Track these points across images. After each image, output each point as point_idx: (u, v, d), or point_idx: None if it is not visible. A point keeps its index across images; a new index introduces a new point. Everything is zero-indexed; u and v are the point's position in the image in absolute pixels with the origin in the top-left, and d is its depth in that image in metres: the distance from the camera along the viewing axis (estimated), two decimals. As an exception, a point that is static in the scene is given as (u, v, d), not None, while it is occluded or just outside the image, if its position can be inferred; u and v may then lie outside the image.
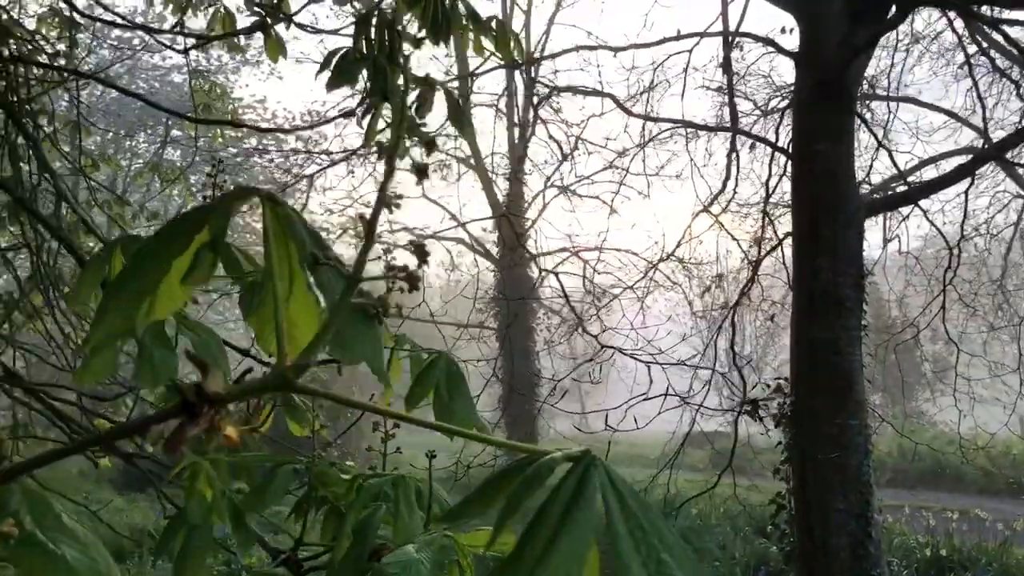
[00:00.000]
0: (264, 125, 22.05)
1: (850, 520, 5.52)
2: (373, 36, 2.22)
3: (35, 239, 3.43)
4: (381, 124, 0.76)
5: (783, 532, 5.87)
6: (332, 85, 2.10)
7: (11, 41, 3.72)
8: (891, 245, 10.89)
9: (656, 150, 11.03)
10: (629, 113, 6.18)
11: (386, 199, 0.62)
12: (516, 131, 15.92)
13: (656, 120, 6.44)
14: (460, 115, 2.12)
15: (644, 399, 5.78)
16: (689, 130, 8.05)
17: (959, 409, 9.49)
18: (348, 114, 2.21)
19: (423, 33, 2.47)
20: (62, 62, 4.44)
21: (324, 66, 2.10)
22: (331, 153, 11.10)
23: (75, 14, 4.31)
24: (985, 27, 7.64)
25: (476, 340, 16.24)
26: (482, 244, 16.79)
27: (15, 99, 3.38)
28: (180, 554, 1.32)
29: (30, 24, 4.60)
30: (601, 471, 0.54)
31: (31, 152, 3.41)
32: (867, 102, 8.27)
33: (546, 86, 6.56)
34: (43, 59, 4.06)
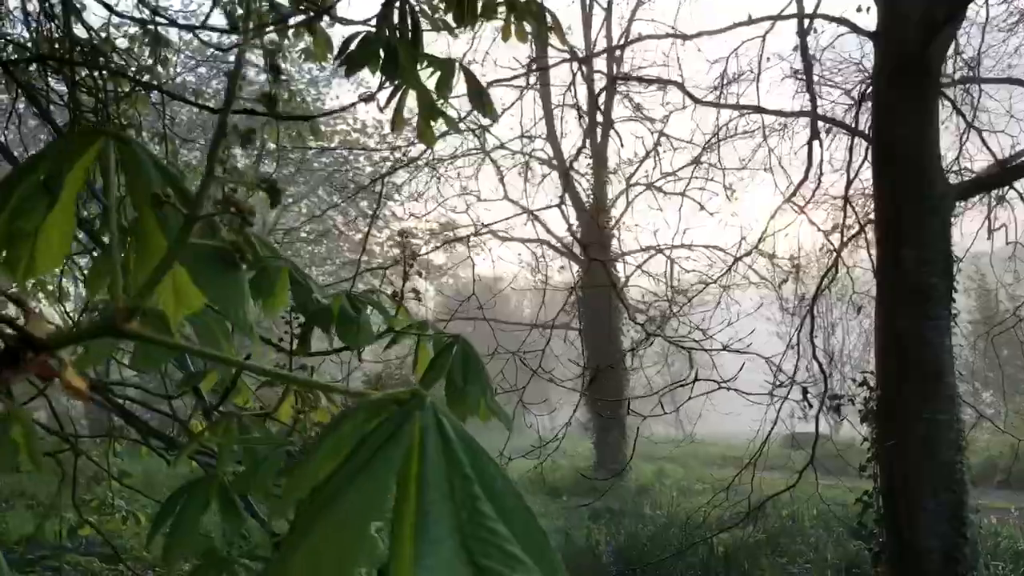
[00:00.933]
0: (354, 134, 22.47)
1: (941, 521, 5.25)
2: (396, 20, 2.21)
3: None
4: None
5: (871, 532, 5.62)
6: (350, 70, 2.09)
7: (101, 59, 3.88)
8: (998, 234, 10.38)
9: (736, 148, 10.76)
10: (696, 100, 6.02)
11: (225, 126, 0.58)
12: (598, 130, 15.80)
13: (728, 107, 6.26)
14: (481, 95, 2.09)
15: (719, 387, 5.62)
16: (768, 121, 7.84)
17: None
18: (369, 98, 2.20)
19: (449, 17, 2.44)
20: (147, 77, 4.62)
21: (342, 51, 2.10)
22: (408, 155, 11.23)
23: (158, 27, 4.47)
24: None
25: (564, 341, 16.21)
26: (566, 245, 16.71)
27: (106, 115, 3.51)
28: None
29: (122, 42, 4.78)
30: (430, 414, 0.50)
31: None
32: (965, 86, 7.86)
33: (606, 76, 6.41)
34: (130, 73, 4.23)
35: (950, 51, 6.30)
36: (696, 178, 16.03)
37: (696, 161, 15.09)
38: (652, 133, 15.69)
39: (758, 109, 6.05)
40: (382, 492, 0.47)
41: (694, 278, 15.31)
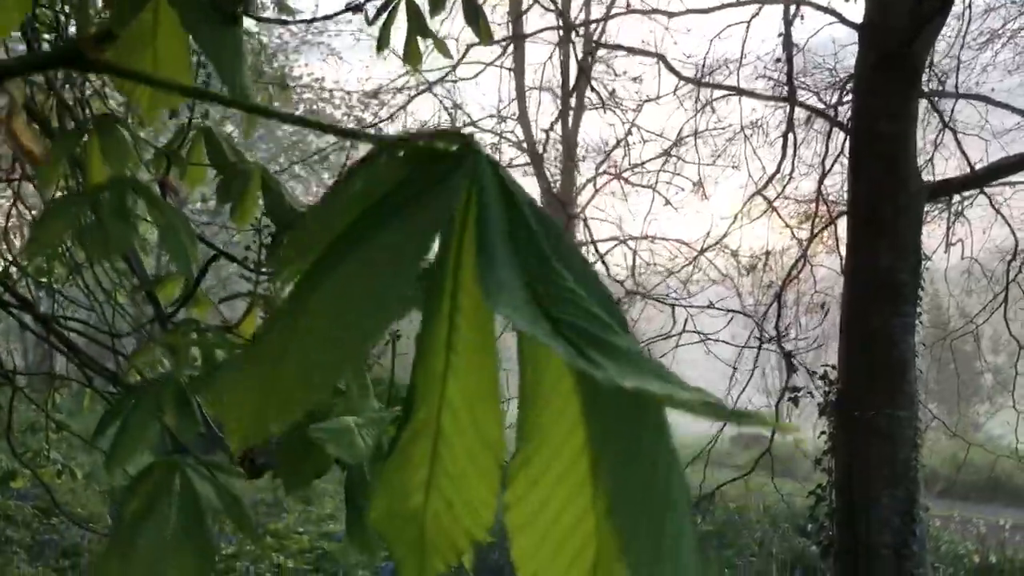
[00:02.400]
0: (320, 104, 22.05)
1: (894, 516, 5.25)
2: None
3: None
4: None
5: (821, 525, 5.62)
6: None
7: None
8: (953, 249, 10.49)
9: (708, 142, 10.76)
10: (679, 76, 5.95)
11: None
12: (570, 114, 15.69)
13: (709, 86, 6.19)
14: (477, 14, 1.95)
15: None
16: (745, 113, 7.80)
17: (1018, 410, 9.09)
18: (356, 8, 2.06)
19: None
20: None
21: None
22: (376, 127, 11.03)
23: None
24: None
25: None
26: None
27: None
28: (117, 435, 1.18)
29: None
30: (483, 162, 0.38)
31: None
32: (933, 99, 7.88)
33: (593, 42, 6.30)
34: None
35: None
36: (665, 171, 16.10)
37: (666, 153, 15.10)
38: (624, 124, 15.71)
39: (738, 91, 6.00)
40: (427, 231, 0.35)
41: (658, 271, 15.33)
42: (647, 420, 0.34)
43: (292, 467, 1.18)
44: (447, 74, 15.19)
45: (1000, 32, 11.09)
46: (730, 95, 6.26)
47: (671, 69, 5.84)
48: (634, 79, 15.23)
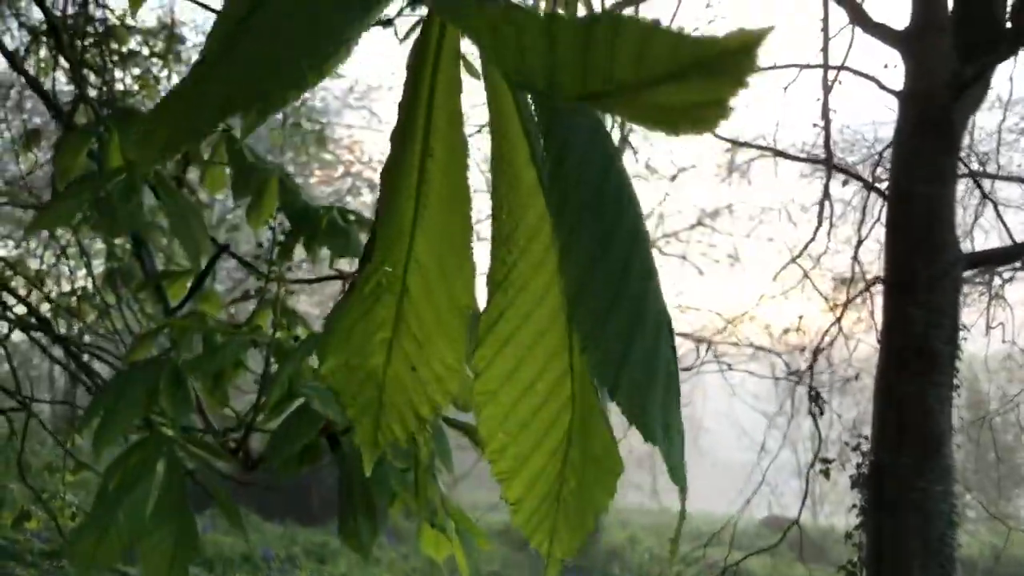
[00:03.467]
0: (358, 165, 22.41)
1: (929, 596, 5.02)
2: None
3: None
4: None
5: (852, 603, 5.38)
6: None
7: (115, 45, 3.78)
8: (993, 335, 10.27)
9: (744, 207, 10.75)
10: (716, 136, 5.93)
11: None
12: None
13: (746, 146, 6.17)
14: None
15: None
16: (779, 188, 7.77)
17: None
18: (386, 23, 2.05)
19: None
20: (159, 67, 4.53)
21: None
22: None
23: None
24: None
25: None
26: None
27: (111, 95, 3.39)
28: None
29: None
30: None
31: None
32: (976, 179, 7.82)
33: None
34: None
35: (964, 144, 6.25)
36: (699, 242, 16.10)
37: (699, 223, 15.11)
38: (658, 192, 15.78)
39: (775, 152, 5.96)
40: None
41: (689, 342, 15.17)
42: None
43: (282, 453, 1.12)
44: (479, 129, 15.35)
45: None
46: (765, 154, 6.21)
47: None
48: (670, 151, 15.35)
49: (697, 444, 28.00)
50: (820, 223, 6.73)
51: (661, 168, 15.57)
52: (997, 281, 12.10)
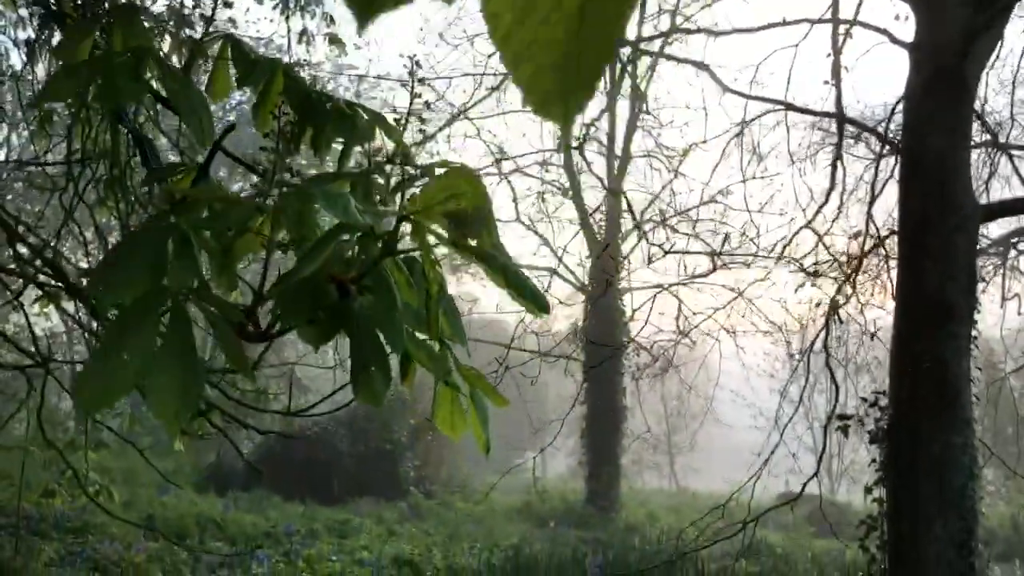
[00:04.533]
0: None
1: (950, 548, 4.98)
2: None
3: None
4: None
5: (872, 558, 5.36)
6: None
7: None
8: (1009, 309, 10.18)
9: (756, 173, 10.73)
10: (725, 88, 5.91)
11: None
12: (615, 162, 15.73)
13: (756, 99, 6.13)
14: None
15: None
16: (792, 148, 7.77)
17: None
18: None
19: None
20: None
21: None
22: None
23: None
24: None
25: (564, 373, 15.95)
26: (576, 276, 16.54)
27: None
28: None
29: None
30: None
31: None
32: (984, 156, 7.75)
33: (636, 48, 6.29)
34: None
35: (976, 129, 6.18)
36: (711, 220, 16.00)
37: (712, 200, 15.00)
38: (669, 171, 15.70)
39: (786, 105, 5.92)
40: None
41: (701, 320, 15.11)
42: None
43: (293, 311, 1.12)
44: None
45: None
46: (777, 109, 6.15)
47: (717, 80, 5.81)
48: (684, 124, 15.32)
49: (713, 426, 27.97)
50: (832, 185, 6.69)
51: (673, 144, 15.45)
52: (1012, 254, 12.03)
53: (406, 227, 1.16)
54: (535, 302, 1.03)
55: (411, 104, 1.47)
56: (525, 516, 13.65)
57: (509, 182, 15.73)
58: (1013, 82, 5.93)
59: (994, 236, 11.19)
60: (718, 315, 15.91)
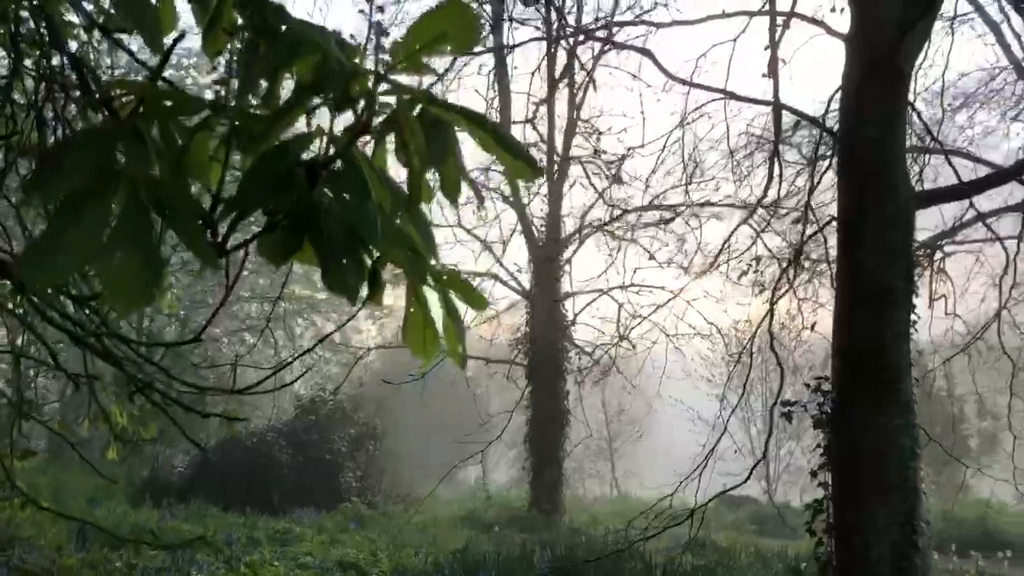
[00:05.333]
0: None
1: (893, 527, 5.06)
2: None
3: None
4: None
5: (820, 540, 5.42)
6: None
7: None
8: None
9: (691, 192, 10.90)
10: (668, 75, 5.95)
11: None
12: (555, 167, 15.78)
13: (697, 86, 6.18)
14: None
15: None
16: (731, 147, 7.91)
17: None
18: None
19: None
20: None
21: None
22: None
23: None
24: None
25: (507, 378, 15.90)
26: (518, 282, 16.52)
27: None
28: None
29: None
30: None
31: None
32: (915, 155, 7.97)
33: (580, 30, 6.30)
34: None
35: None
36: (649, 225, 16.16)
37: (649, 208, 15.17)
38: (607, 178, 15.81)
39: (725, 93, 5.98)
40: None
41: (639, 321, 15.26)
42: None
43: (250, 198, 1.06)
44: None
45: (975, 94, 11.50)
46: (717, 98, 6.23)
47: (659, 66, 5.83)
48: (622, 129, 15.48)
49: (652, 432, 28.17)
50: (771, 177, 6.77)
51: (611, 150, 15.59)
52: (938, 255, 12.36)
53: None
54: (527, 163, 0.98)
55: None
56: (470, 523, 13.54)
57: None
58: (943, 77, 6.09)
59: (921, 239, 11.53)
60: (657, 319, 16.14)
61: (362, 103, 0.98)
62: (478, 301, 1.18)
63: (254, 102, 1.25)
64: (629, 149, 14.11)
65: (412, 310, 1.28)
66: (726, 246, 7.85)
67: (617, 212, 15.42)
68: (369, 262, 1.15)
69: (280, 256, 1.17)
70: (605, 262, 15.95)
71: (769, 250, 7.27)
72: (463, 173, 1.26)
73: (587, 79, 14.51)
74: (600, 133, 15.66)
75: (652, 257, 15.92)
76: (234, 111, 1.15)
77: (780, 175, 6.46)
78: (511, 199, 16.34)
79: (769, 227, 7.62)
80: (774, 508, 19.69)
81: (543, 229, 15.81)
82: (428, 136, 1.16)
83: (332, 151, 1.06)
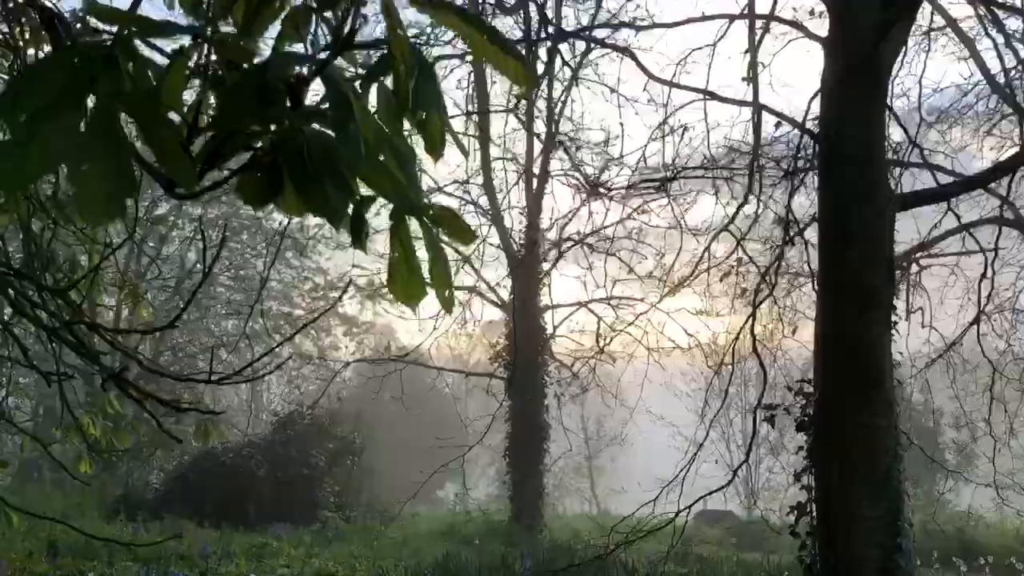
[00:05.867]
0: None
1: (878, 529, 5.03)
2: None
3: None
4: None
5: (803, 543, 5.37)
6: None
7: None
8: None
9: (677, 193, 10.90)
10: (648, 74, 5.95)
11: None
12: (533, 181, 15.78)
13: (677, 86, 6.17)
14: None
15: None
16: (713, 171, 7.94)
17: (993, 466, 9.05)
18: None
19: None
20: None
21: None
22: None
23: None
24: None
25: (487, 391, 15.79)
26: (498, 295, 16.47)
27: None
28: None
29: None
30: None
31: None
32: (891, 168, 8.02)
33: (561, 30, 6.28)
34: None
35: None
36: (627, 238, 16.17)
37: (629, 217, 15.19)
38: (583, 191, 15.83)
39: (705, 93, 5.98)
40: None
41: (617, 332, 15.22)
42: None
43: (237, 110, 1.00)
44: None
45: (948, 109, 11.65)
46: (697, 99, 6.24)
47: (640, 66, 5.84)
48: (603, 142, 15.50)
49: (632, 449, 28.09)
50: (750, 189, 6.78)
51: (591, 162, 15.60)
52: (914, 268, 12.43)
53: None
54: (522, 66, 0.94)
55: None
56: (450, 537, 13.40)
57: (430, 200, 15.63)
58: (920, 80, 6.12)
59: (897, 252, 11.63)
60: (636, 332, 16.15)
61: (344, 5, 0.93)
62: (465, 234, 1.13)
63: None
64: (608, 161, 14.14)
65: (396, 253, 1.23)
66: (706, 254, 7.85)
67: (596, 225, 15.42)
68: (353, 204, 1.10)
69: (261, 197, 1.12)
70: (583, 275, 15.95)
71: (749, 257, 7.26)
72: (447, 125, 1.21)
73: (565, 91, 14.64)
74: (579, 147, 15.72)
75: (631, 271, 15.91)
76: (211, 34, 1.10)
77: (760, 182, 6.47)
78: (490, 213, 16.33)
79: (749, 237, 7.62)
80: (754, 522, 19.66)
81: (522, 242, 15.78)
82: (417, 81, 1.11)
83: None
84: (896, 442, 5.19)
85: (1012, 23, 10.29)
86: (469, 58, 14.91)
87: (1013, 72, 9.51)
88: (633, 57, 5.79)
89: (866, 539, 5.03)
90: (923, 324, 10.97)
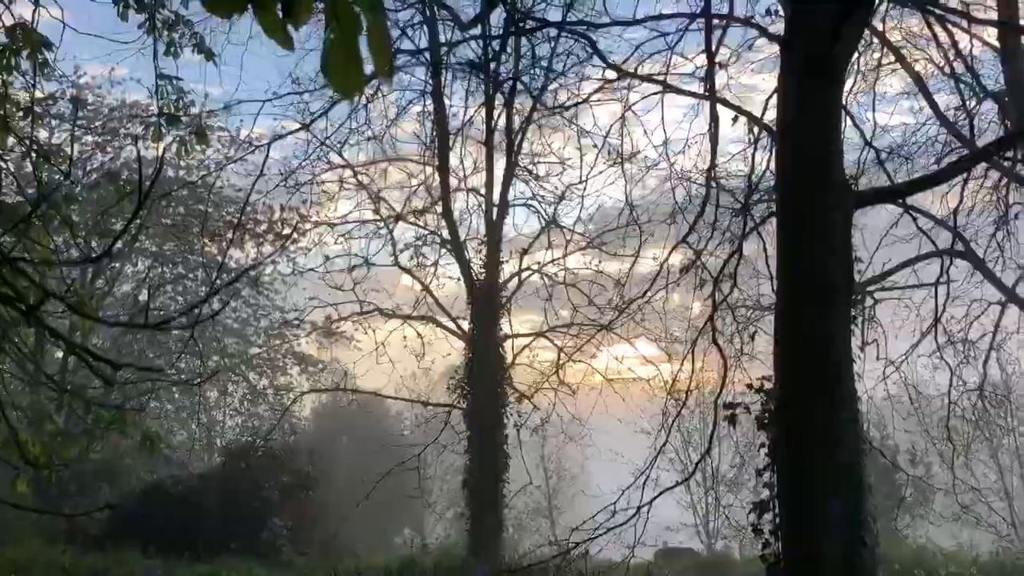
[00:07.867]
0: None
1: (841, 523, 4.94)
2: None
3: None
4: None
5: (766, 541, 5.27)
6: None
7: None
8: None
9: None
10: (608, 64, 5.93)
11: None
12: (494, 211, 15.76)
13: (636, 77, 6.17)
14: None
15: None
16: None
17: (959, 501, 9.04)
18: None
19: None
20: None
21: None
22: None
23: None
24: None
25: (447, 423, 15.52)
26: (457, 324, 16.30)
27: None
28: None
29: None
30: None
31: None
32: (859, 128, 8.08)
33: (524, 13, 6.27)
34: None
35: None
36: (587, 269, 16.18)
37: (589, 245, 15.24)
38: (544, 219, 15.86)
39: (664, 85, 5.98)
40: None
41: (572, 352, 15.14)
42: None
43: None
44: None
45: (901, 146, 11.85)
46: (657, 92, 6.22)
47: (600, 56, 5.82)
48: (561, 161, 15.58)
49: (590, 485, 27.77)
50: (708, 195, 6.77)
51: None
52: (869, 301, 12.55)
53: None
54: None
55: None
56: (408, 571, 13.07)
57: (390, 230, 15.59)
58: (875, 82, 6.20)
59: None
60: (594, 363, 16.09)
61: None
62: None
63: None
64: (568, 187, 14.21)
65: (332, 35, 1.13)
66: (665, 265, 7.81)
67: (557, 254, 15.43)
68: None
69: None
70: (543, 304, 15.91)
71: (701, 263, 7.23)
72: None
73: (525, 121, 14.75)
74: (538, 177, 15.80)
75: (592, 302, 15.86)
76: None
77: (717, 186, 6.47)
78: (450, 243, 16.24)
79: (707, 251, 7.61)
80: (715, 558, 19.45)
81: (482, 271, 15.69)
82: None
83: None
84: (858, 435, 5.14)
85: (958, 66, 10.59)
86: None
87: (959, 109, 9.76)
88: (593, 45, 5.79)
89: (831, 534, 4.94)
90: (877, 357, 11.04)
